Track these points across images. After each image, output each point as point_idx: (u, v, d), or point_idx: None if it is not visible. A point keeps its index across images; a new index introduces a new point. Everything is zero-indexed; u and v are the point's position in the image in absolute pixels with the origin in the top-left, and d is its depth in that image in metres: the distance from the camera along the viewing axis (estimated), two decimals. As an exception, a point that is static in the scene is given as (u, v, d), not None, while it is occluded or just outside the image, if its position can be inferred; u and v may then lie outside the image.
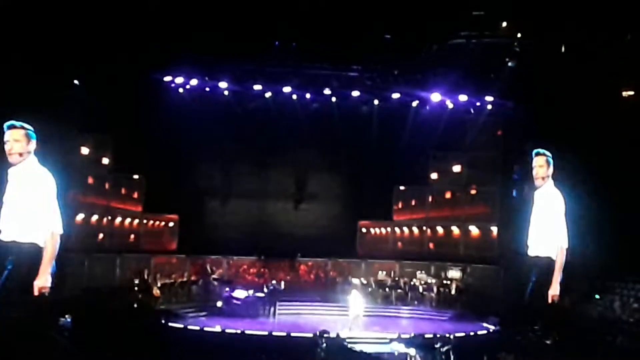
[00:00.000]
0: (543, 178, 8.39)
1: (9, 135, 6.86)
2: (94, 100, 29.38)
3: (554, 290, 8.27)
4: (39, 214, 6.75)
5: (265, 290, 31.06)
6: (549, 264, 8.34)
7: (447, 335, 24.65)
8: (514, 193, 10.08)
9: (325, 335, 21.47)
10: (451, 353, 18.21)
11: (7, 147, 6.87)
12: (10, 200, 6.84)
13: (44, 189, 6.80)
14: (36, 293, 6.64)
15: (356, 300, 28.60)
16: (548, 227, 8.39)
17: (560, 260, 8.29)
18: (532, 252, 8.61)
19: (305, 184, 38.25)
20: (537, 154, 8.42)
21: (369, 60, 31.05)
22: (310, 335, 21.92)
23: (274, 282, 31.77)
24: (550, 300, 8.29)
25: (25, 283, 6.66)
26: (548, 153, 8.42)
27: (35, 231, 6.76)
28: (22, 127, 6.88)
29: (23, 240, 6.74)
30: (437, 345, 18.47)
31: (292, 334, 24.16)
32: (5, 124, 6.90)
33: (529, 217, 8.66)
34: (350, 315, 28.08)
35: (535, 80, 28.33)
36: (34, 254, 6.74)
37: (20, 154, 6.84)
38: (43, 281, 6.66)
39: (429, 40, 28.73)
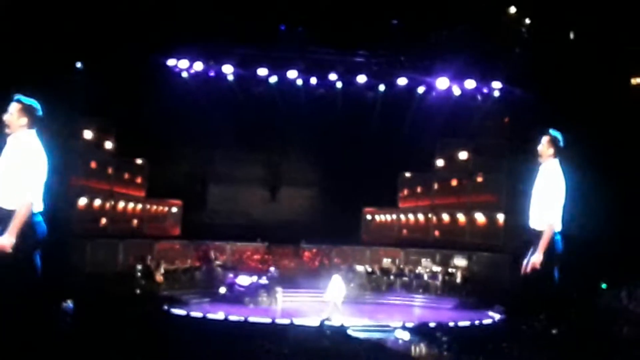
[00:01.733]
0: (542, 156, 8.89)
1: (9, 107, 7.37)
2: (97, 83, 29.18)
3: (536, 258, 8.58)
4: (16, 184, 7.07)
5: (264, 277, 30.88)
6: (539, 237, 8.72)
7: (448, 324, 24.67)
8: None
9: (328, 322, 21.36)
10: (452, 342, 18.09)
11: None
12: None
13: (22, 160, 7.14)
14: None
15: (337, 286, 28.40)
16: (543, 202, 8.78)
17: (546, 234, 8.61)
18: (531, 224, 8.99)
19: (309, 170, 38.06)
20: (542, 133, 8.95)
21: (375, 46, 30.85)
22: (314, 322, 21.83)
23: (272, 269, 31.61)
24: (529, 269, 8.63)
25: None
26: (553, 133, 8.92)
27: (14, 199, 7.06)
28: (18, 101, 7.38)
29: (7, 207, 7.06)
30: (438, 335, 18.36)
31: (296, 322, 24.02)
32: None
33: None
34: (329, 301, 27.89)
35: (543, 67, 28.10)
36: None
37: (8, 126, 7.32)
38: (4, 240, 6.84)
39: (436, 25, 28.53)
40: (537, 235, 8.77)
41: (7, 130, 7.32)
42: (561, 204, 8.72)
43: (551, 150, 8.81)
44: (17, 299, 6.97)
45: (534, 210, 8.93)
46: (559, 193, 8.70)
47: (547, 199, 8.71)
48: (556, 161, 8.83)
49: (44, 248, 7.34)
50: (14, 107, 7.32)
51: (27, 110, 7.35)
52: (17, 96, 7.38)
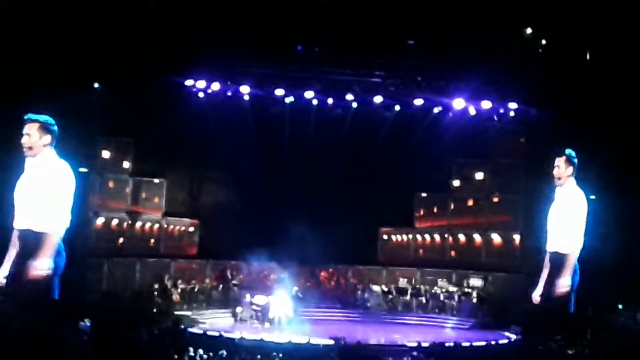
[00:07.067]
0: (559, 178, 8.62)
1: (24, 129, 7.10)
2: (115, 103, 29.41)
3: (563, 282, 8.36)
4: (48, 206, 6.92)
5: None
6: (564, 261, 8.49)
7: (464, 344, 24.60)
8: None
9: (343, 342, 21.34)
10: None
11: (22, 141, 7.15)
12: (23, 190, 7.08)
13: (53, 182, 7.00)
14: (30, 274, 6.75)
15: (281, 301, 28.40)
16: (564, 225, 8.55)
17: (572, 258, 8.43)
18: (549, 247, 8.82)
19: (324, 190, 37.94)
20: (558, 154, 8.66)
21: (392, 66, 30.94)
22: (329, 342, 21.81)
23: (295, 289, 31.55)
24: (557, 293, 8.39)
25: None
26: (569, 152, 8.64)
27: (46, 221, 6.92)
28: (35, 120, 7.10)
29: (37, 230, 6.91)
30: (454, 355, 18.36)
31: (312, 341, 24.02)
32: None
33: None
34: (272, 317, 28.03)
35: (559, 87, 28.10)
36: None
37: (30, 147, 7.08)
38: (39, 264, 6.75)
39: (453, 46, 28.59)
40: (558, 258, 8.61)
41: (27, 153, 7.09)
42: (584, 225, 8.53)
43: (570, 170, 8.58)
44: (34, 321, 6.86)
45: (554, 233, 8.72)
46: (583, 216, 8.50)
47: (574, 222, 8.50)
48: (574, 181, 8.63)
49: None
50: (32, 127, 7.05)
51: (46, 127, 7.12)
52: (29, 115, 7.14)
